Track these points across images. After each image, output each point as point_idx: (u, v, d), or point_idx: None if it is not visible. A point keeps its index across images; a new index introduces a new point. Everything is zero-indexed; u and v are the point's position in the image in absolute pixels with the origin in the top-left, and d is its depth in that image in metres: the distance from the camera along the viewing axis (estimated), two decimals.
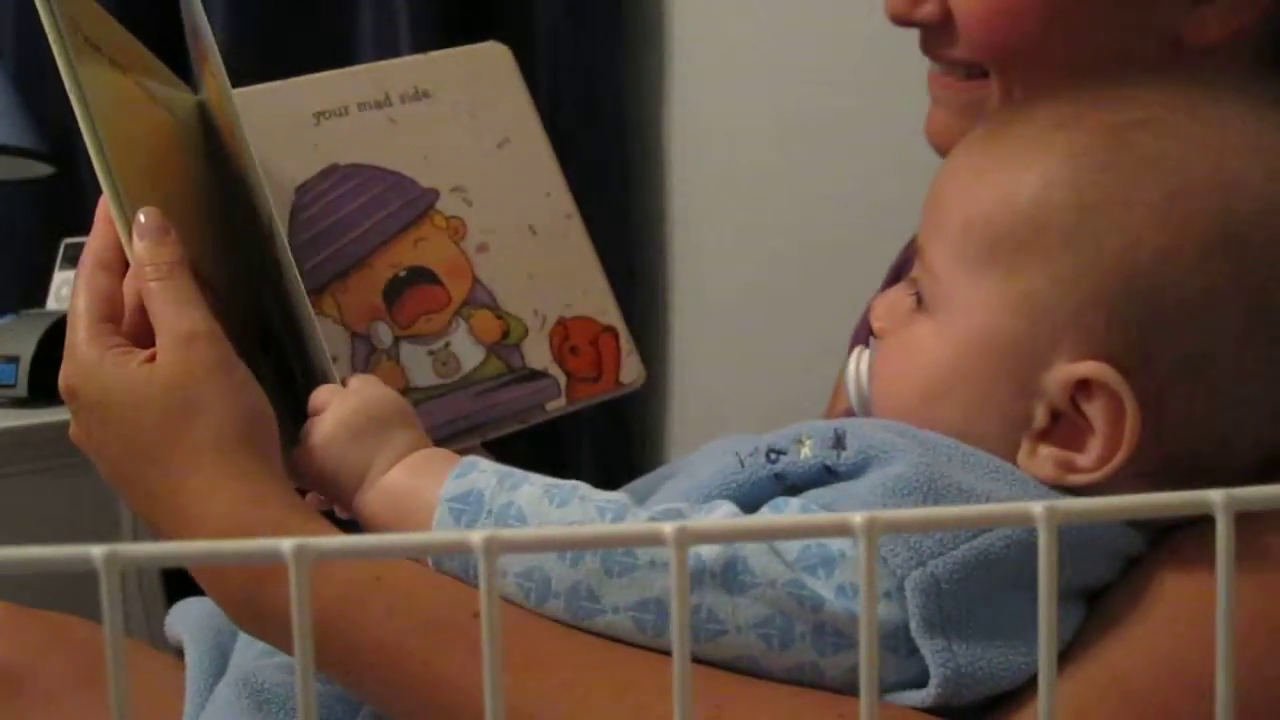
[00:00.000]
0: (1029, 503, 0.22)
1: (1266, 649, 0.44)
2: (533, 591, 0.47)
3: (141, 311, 0.55)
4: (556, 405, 0.67)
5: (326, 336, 0.62)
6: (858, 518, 0.22)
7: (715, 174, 1.47)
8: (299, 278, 0.59)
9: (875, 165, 1.31)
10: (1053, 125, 0.49)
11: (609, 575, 0.46)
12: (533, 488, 0.50)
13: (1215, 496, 0.22)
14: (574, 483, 0.50)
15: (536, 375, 0.67)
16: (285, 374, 0.64)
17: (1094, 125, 0.48)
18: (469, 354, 0.65)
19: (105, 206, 0.56)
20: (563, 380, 0.67)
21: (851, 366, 0.57)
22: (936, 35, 0.62)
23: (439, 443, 0.63)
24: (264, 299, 0.65)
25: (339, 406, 0.55)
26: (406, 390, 0.63)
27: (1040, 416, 0.48)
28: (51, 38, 0.52)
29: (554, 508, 0.49)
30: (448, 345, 0.65)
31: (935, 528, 0.43)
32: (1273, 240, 0.46)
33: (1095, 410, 0.47)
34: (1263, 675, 0.43)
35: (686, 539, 0.21)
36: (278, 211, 0.62)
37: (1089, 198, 0.47)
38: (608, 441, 1.51)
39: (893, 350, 0.54)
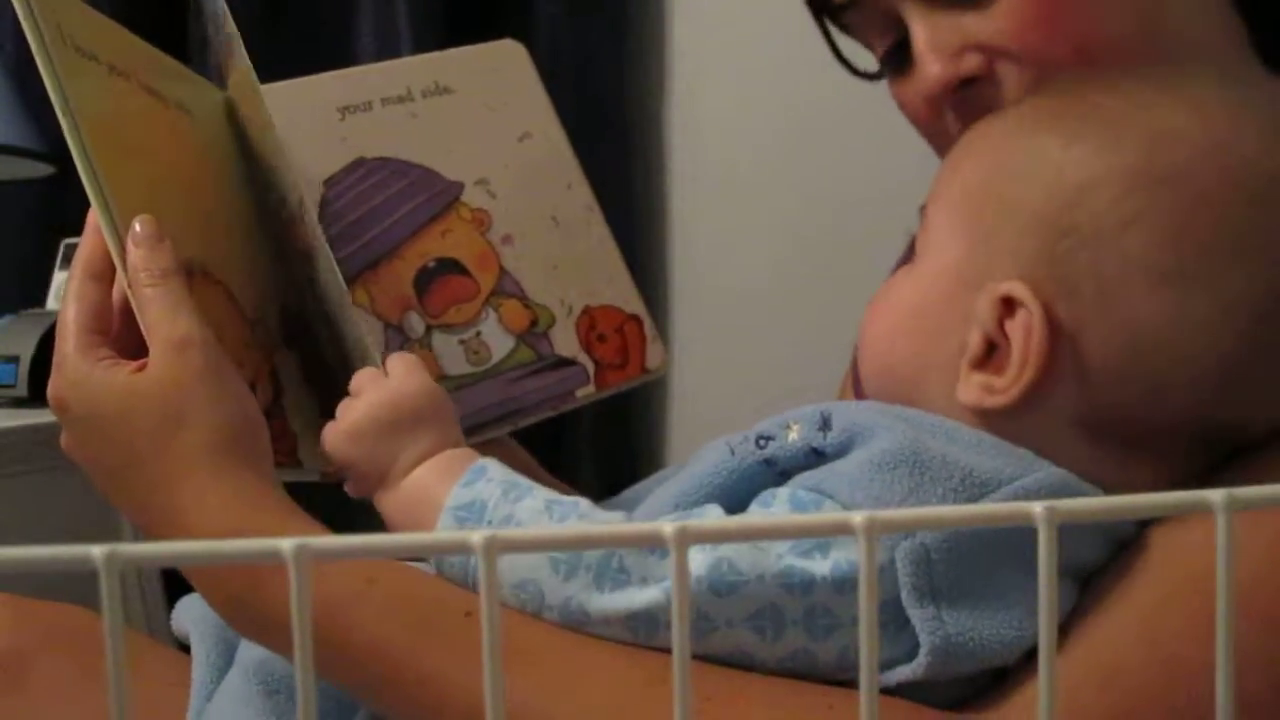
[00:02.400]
0: (1028, 503, 0.22)
1: (1255, 635, 0.44)
2: (528, 604, 0.48)
3: (130, 319, 0.55)
4: (586, 392, 0.68)
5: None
6: (858, 517, 0.22)
7: (715, 173, 1.47)
8: (334, 261, 0.59)
9: (876, 163, 1.30)
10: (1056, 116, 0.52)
11: (600, 591, 0.46)
12: (535, 501, 0.50)
13: (1215, 496, 0.22)
14: (576, 499, 0.50)
15: (566, 363, 0.67)
16: (316, 364, 0.64)
17: (1092, 105, 0.51)
18: (500, 342, 0.66)
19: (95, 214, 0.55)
20: (591, 367, 0.68)
21: None
22: (978, 92, 0.60)
23: (474, 430, 0.63)
24: (295, 289, 0.65)
25: (371, 395, 0.55)
26: (441, 379, 0.64)
27: (975, 342, 0.50)
28: (35, 51, 0.52)
29: (552, 523, 0.49)
30: (479, 334, 0.66)
31: (935, 526, 0.43)
32: (1202, 187, 0.47)
33: (1014, 328, 0.48)
34: (1249, 659, 0.43)
35: (687, 539, 0.21)
36: (308, 199, 0.62)
37: (1051, 148, 0.50)
38: (608, 440, 1.51)
39: (874, 301, 0.56)
